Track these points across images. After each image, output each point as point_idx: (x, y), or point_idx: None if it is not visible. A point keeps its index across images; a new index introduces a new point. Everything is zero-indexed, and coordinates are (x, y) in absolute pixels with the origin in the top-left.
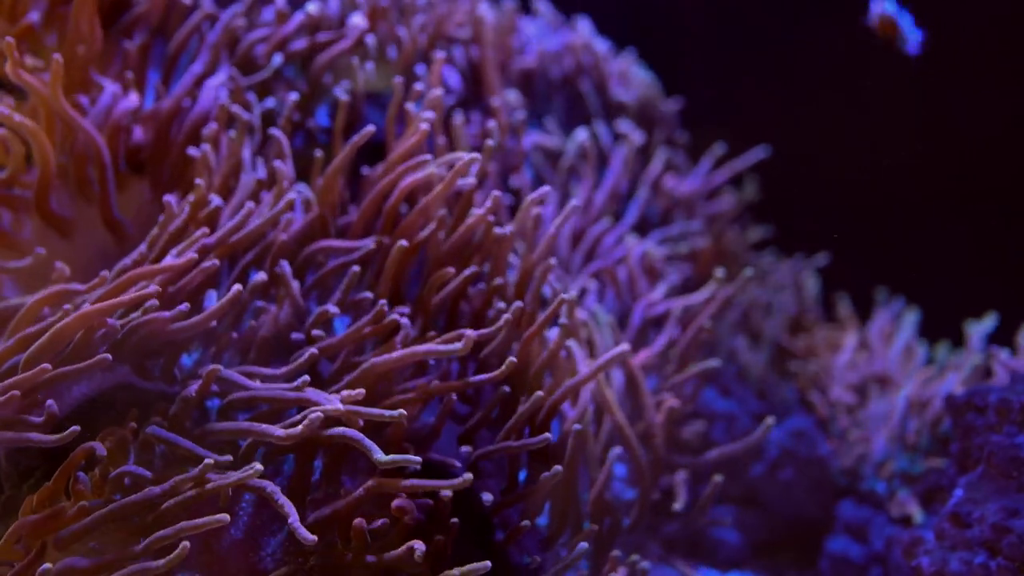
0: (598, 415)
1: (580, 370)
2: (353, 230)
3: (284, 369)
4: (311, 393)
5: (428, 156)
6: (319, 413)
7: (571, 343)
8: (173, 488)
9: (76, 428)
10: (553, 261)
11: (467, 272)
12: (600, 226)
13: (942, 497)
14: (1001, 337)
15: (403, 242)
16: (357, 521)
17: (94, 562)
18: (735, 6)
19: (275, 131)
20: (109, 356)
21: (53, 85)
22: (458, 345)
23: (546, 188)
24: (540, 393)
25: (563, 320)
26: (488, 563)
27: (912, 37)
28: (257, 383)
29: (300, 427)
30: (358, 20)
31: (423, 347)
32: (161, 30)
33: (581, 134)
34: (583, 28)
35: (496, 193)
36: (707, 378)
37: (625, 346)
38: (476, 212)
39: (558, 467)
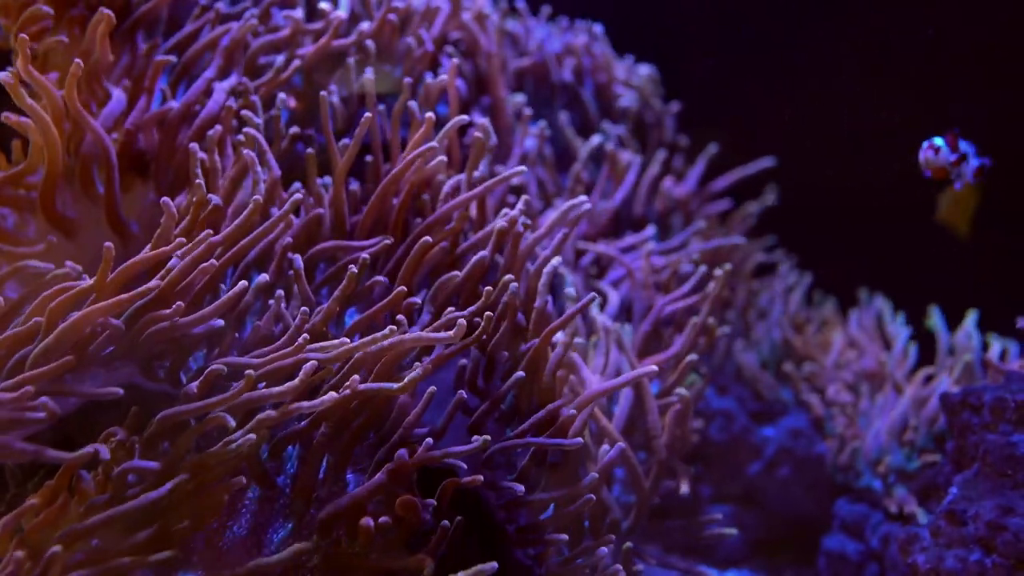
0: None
1: (584, 375)
2: (362, 225)
3: (280, 342)
4: (310, 352)
5: (440, 153)
6: (313, 362)
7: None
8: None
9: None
10: (558, 261)
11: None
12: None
13: (938, 495)
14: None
15: (427, 238)
16: (364, 520)
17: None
18: (735, 9)
19: (249, 130)
20: (100, 390)
21: (70, 85)
22: (450, 333)
23: (584, 200)
24: (572, 411)
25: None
26: (495, 564)
27: (972, 164)
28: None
29: (296, 380)
30: (340, 12)
31: (417, 335)
32: (169, 33)
33: (595, 139)
34: (587, 30)
35: (527, 197)
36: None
37: (653, 367)
38: (510, 213)
39: (590, 496)
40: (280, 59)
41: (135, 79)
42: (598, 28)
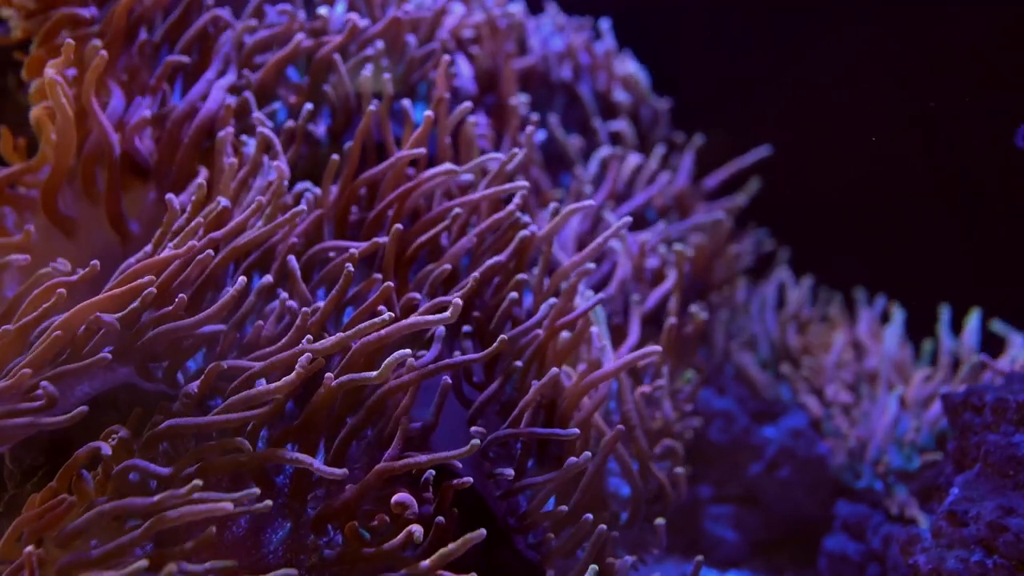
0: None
1: (604, 364)
2: (368, 228)
3: (279, 344)
4: (307, 345)
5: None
6: (309, 354)
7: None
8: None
9: (84, 408)
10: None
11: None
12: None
13: (939, 495)
14: (990, 336)
15: (398, 226)
16: (351, 523)
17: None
18: (734, 7)
19: (265, 130)
20: (109, 356)
21: (91, 80)
22: (446, 314)
23: (588, 202)
24: (556, 369)
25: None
26: (483, 532)
27: None
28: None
29: (293, 374)
30: (353, 15)
31: (410, 319)
32: (169, 33)
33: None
34: (590, 26)
35: (524, 192)
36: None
37: (656, 347)
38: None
39: (587, 455)
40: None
41: (134, 77)
42: (604, 24)
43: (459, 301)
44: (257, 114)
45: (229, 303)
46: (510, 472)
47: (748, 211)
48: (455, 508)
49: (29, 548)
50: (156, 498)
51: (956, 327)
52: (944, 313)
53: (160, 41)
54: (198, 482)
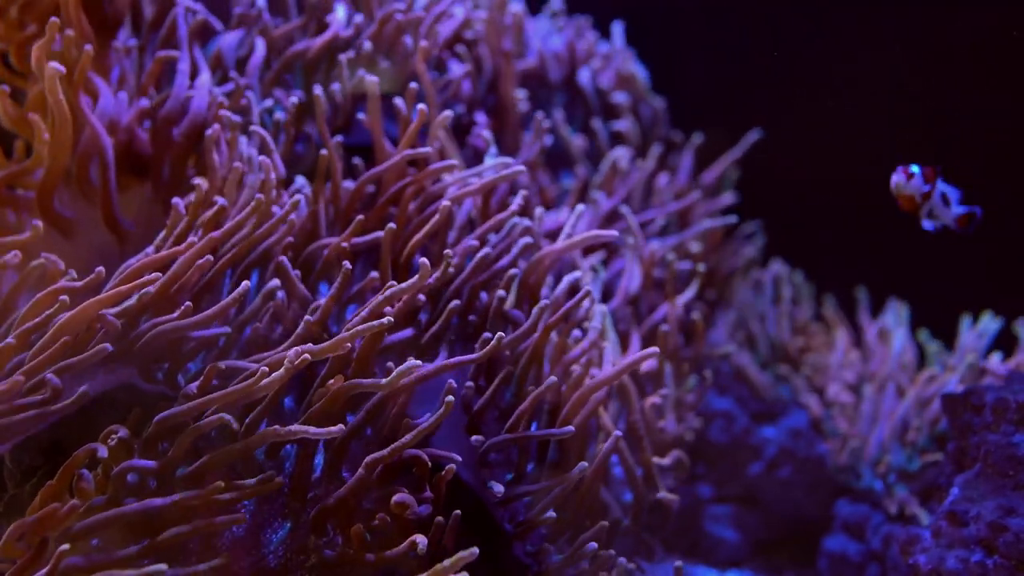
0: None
1: (605, 369)
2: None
3: (280, 349)
4: (308, 346)
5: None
6: (296, 349)
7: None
8: (177, 502)
9: (86, 388)
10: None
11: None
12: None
13: (939, 495)
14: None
15: (392, 225)
16: (356, 527)
17: (94, 561)
18: (733, 7)
19: (258, 128)
20: (109, 346)
21: (81, 75)
22: (415, 279)
23: (612, 232)
24: (554, 378)
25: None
26: (475, 550)
27: (957, 210)
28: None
29: (282, 369)
30: (340, 14)
31: (391, 290)
32: (155, 27)
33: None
34: (589, 28)
35: (524, 192)
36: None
37: (654, 348)
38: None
39: (582, 466)
40: (259, 52)
41: (122, 76)
42: (617, 26)
43: (426, 261)
44: (229, 114)
45: (229, 305)
46: (498, 489)
47: (748, 210)
48: (458, 513)
49: (65, 547)
50: (176, 496)
51: (953, 328)
52: (966, 321)
53: (147, 33)
54: (220, 483)
